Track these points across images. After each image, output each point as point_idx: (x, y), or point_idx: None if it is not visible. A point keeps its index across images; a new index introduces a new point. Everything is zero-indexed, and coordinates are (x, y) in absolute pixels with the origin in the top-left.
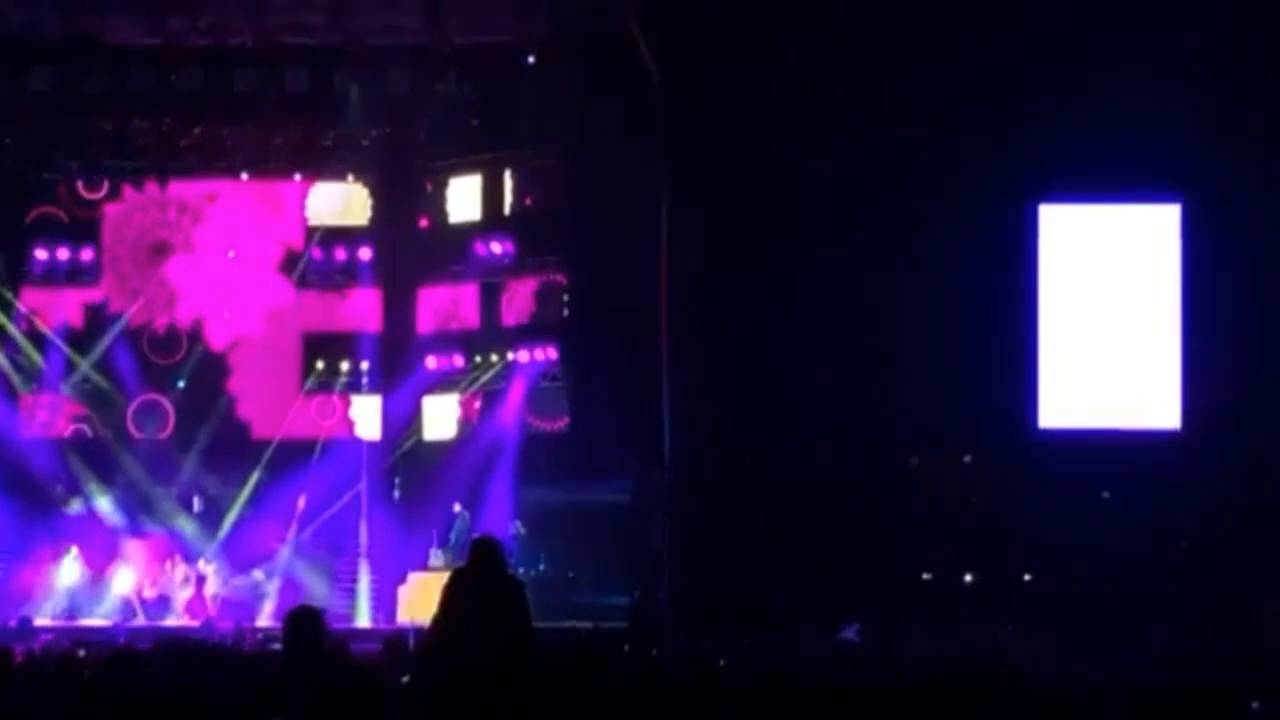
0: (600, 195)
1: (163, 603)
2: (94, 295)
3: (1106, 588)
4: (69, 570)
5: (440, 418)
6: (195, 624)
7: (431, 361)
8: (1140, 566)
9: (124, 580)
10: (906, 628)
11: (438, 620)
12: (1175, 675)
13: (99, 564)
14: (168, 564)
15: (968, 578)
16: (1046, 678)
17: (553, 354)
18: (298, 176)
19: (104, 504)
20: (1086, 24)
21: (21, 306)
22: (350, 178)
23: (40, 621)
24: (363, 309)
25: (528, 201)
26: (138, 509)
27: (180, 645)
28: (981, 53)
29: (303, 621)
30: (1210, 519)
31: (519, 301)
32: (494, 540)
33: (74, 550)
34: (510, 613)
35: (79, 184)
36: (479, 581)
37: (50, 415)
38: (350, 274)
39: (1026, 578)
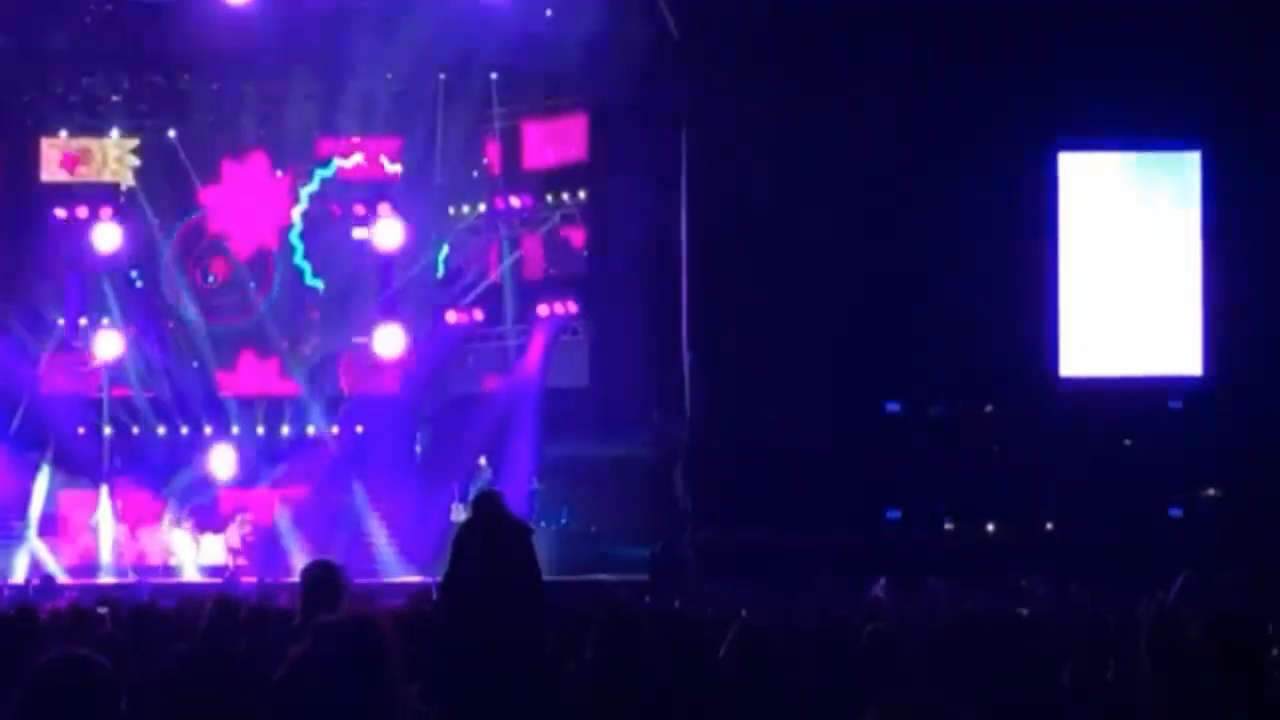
0: (620, 147)
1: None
2: None
3: (1129, 535)
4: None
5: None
6: (218, 580)
7: (452, 316)
8: (1163, 513)
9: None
10: (928, 578)
11: (448, 574)
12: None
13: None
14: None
15: (990, 527)
16: (1069, 622)
17: (573, 308)
18: (315, 133)
19: (128, 460)
20: None
21: (40, 265)
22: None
23: (63, 580)
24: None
25: (548, 154)
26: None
27: (202, 601)
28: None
29: (321, 576)
30: (1233, 464)
31: (539, 255)
32: (495, 492)
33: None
34: (519, 562)
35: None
36: (484, 533)
37: (72, 374)
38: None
39: (1049, 526)
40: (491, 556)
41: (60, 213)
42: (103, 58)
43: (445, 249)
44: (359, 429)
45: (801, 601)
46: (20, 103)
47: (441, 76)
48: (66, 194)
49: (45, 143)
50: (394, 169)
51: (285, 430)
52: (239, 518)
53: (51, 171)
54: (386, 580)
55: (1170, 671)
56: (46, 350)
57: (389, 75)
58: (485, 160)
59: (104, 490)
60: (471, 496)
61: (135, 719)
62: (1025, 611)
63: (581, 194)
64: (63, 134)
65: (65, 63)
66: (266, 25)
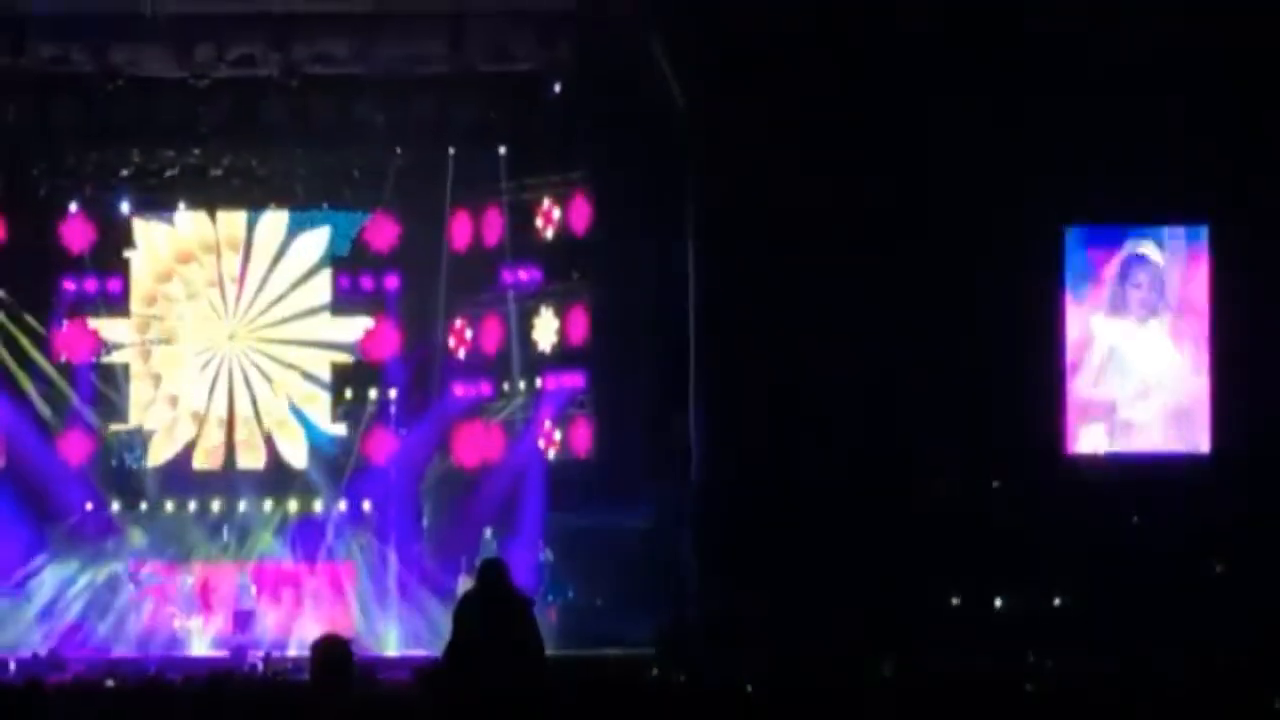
0: (627, 221)
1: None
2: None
3: (1137, 611)
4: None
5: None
6: (225, 654)
7: (460, 389)
8: (1171, 591)
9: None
10: (935, 652)
11: (450, 644)
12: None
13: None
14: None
15: (997, 603)
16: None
17: (580, 381)
18: (325, 206)
19: (135, 535)
20: (1113, 45)
21: (50, 338)
22: (377, 207)
23: (70, 653)
24: (390, 337)
25: (555, 228)
26: (166, 539)
27: (210, 675)
28: (1005, 74)
29: (330, 651)
30: (1240, 543)
31: (545, 328)
32: (500, 562)
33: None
34: (520, 631)
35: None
36: (487, 603)
37: (81, 446)
38: (378, 302)
39: (1056, 602)
40: (492, 628)
41: (70, 284)
42: (113, 132)
43: (454, 322)
44: (366, 504)
45: (805, 672)
46: (31, 176)
47: (450, 150)
48: (77, 266)
49: (58, 215)
50: (402, 242)
51: (293, 505)
52: (247, 592)
53: (64, 244)
54: (393, 654)
55: None
56: (62, 423)
57: (398, 149)
58: (493, 233)
59: (112, 564)
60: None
61: None
62: (1030, 687)
63: (589, 266)
64: (73, 207)
65: (76, 136)
66: (275, 100)
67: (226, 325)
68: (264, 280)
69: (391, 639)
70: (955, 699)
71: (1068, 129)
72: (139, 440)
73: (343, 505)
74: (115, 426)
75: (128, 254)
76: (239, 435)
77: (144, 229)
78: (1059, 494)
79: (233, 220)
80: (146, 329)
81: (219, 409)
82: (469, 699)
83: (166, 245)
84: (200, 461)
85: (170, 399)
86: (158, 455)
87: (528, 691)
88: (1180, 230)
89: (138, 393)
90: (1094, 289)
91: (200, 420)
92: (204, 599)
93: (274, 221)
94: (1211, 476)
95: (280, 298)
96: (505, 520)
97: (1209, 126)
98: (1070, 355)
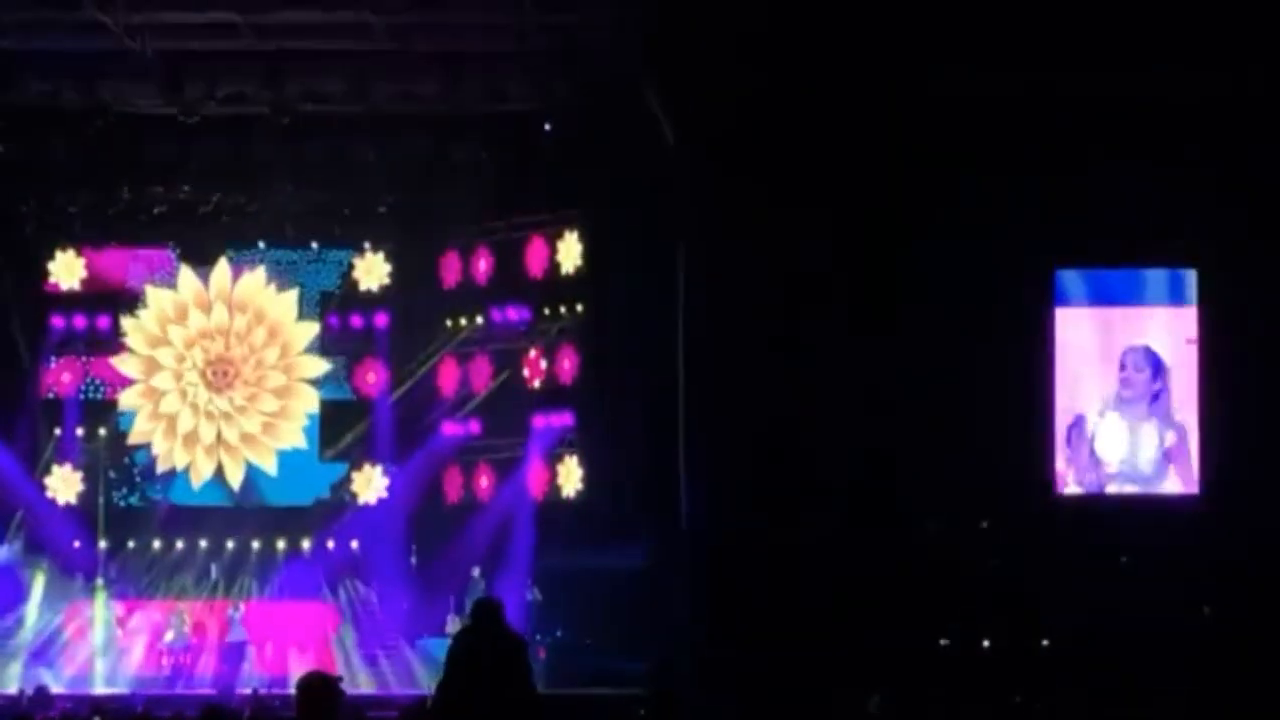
0: (617, 260)
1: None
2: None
3: (1125, 654)
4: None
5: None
6: (212, 691)
7: (449, 428)
8: (1159, 632)
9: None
10: (925, 694)
11: (442, 683)
12: None
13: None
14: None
15: (986, 644)
16: None
17: (569, 420)
18: (314, 245)
19: (123, 573)
20: (1105, 90)
21: (39, 374)
22: (367, 245)
23: (57, 689)
24: (380, 375)
25: (545, 266)
26: (153, 576)
27: (199, 713)
28: (996, 119)
29: (317, 689)
30: (1228, 584)
31: (535, 367)
32: (495, 601)
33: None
34: (513, 672)
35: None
36: (481, 641)
37: (69, 484)
38: (367, 341)
39: (1045, 644)
40: (484, 668)
41: (59, 321)
42: (103, 168)
43: (443, 360)
44: (354, 543)
45: (796, 715)
46: (19, 212)
47: (440, 189)
48: (67, 303)
49: (47, 252)
50: (392, 280)
51: (281, 544)
52: (235, 630)
53: (52, 280)
54: (380, 693)
55: None
56: (49, 460)
57: (388, 186)
58: (484, 272)
59: (100, 601)
60: (470, 605)
61: None
62: None
63: (579, 306)
64: (62, 243)
65: (65, 172)
66: (267, 138)
67: (218, 365)
68: (254, 323)
69: (379, 678)
70: None
71: (1061, 170)
72: (127, 477)
73: (331, 544)
74: (104, 463)
75: (139, 312)
76: (229, 473)
77: (152, 292)
78: (1047, 534)
79: (222, 269)
80: (140, 370)
81: (209, 446)
82: None
83: (167, 297)
84: (188, 499)
85: (161, 436)
86: (146, 493)
87: None
88: (1168, 272)
89: (127, 429)
90: (1087, 360)
91: (190, 458)
92: (192, 637)
93: (260, 271)
94: (1201, 517)
95: (271, 339)
96: (494, 559)
97: (1200, 171)
98: (1057, 393)
